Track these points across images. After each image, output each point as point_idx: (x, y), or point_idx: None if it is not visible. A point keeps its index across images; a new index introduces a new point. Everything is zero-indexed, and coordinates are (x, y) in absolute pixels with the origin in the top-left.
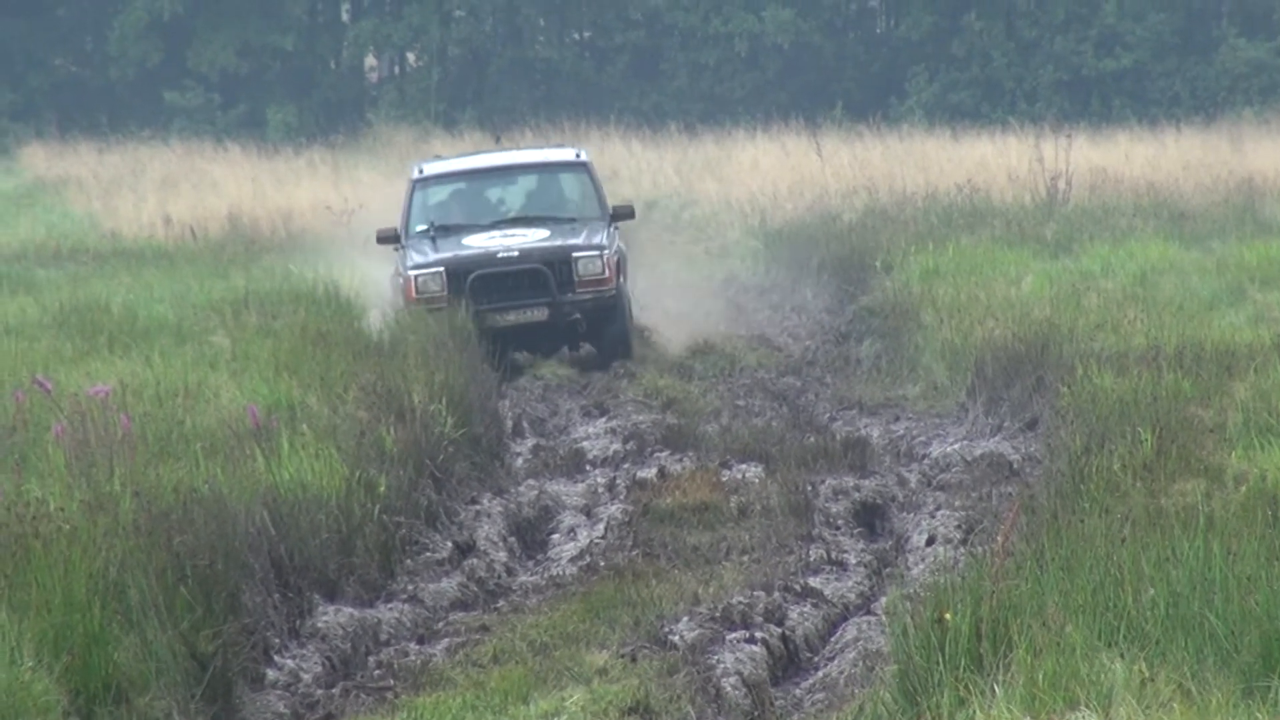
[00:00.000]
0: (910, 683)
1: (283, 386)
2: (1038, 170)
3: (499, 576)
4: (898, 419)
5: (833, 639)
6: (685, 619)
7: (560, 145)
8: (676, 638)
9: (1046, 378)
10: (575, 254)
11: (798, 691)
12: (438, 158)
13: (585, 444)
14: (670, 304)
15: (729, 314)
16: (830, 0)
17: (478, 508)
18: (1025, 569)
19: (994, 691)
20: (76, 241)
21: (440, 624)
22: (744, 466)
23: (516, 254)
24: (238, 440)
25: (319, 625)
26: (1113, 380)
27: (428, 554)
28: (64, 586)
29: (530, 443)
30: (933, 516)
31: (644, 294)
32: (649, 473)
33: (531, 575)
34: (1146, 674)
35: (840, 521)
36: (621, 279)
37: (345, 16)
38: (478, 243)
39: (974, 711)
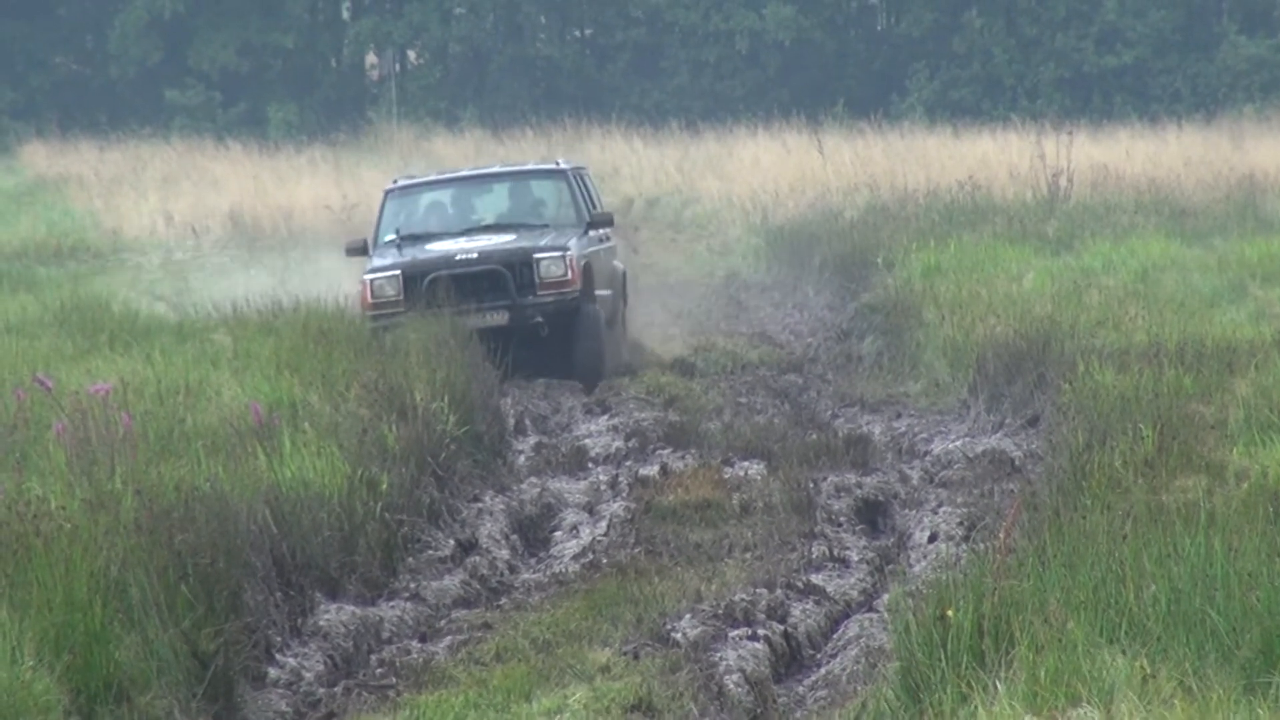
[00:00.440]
0: (912, 680)
1: (284, 384)
2: (1039, 167)
3: (501, 574)
4: (899, 416)
5: (835, 636)
6: (688, 616)
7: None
8: (679, 635)
9: (1048, 374)
10: (537, 254)
11: (800, 689)
12: (410, 177)
13: (587, 441)
14: (672, 301)
15: (731, 311)
16: None
17: (480, 505)
18: (1027, 566)
19: (996, 688)
20: (77, 239)
21: (442, 622)
22: (746, 464)
23: (475, 256)
24: (239, 438)
25: (321, 623)
26: (1114, 377)
27: (430, 552)
28: (65, 585)
29: (532, 440)
30: (935, 513)
31: (646, 291)
32: (651, 470)
33: (534, 573)
34: (1148, 670)
35: (842, 518)
36: (620, 300)
37: (346, 14)
38: (440, 248)
39: (976, 708)
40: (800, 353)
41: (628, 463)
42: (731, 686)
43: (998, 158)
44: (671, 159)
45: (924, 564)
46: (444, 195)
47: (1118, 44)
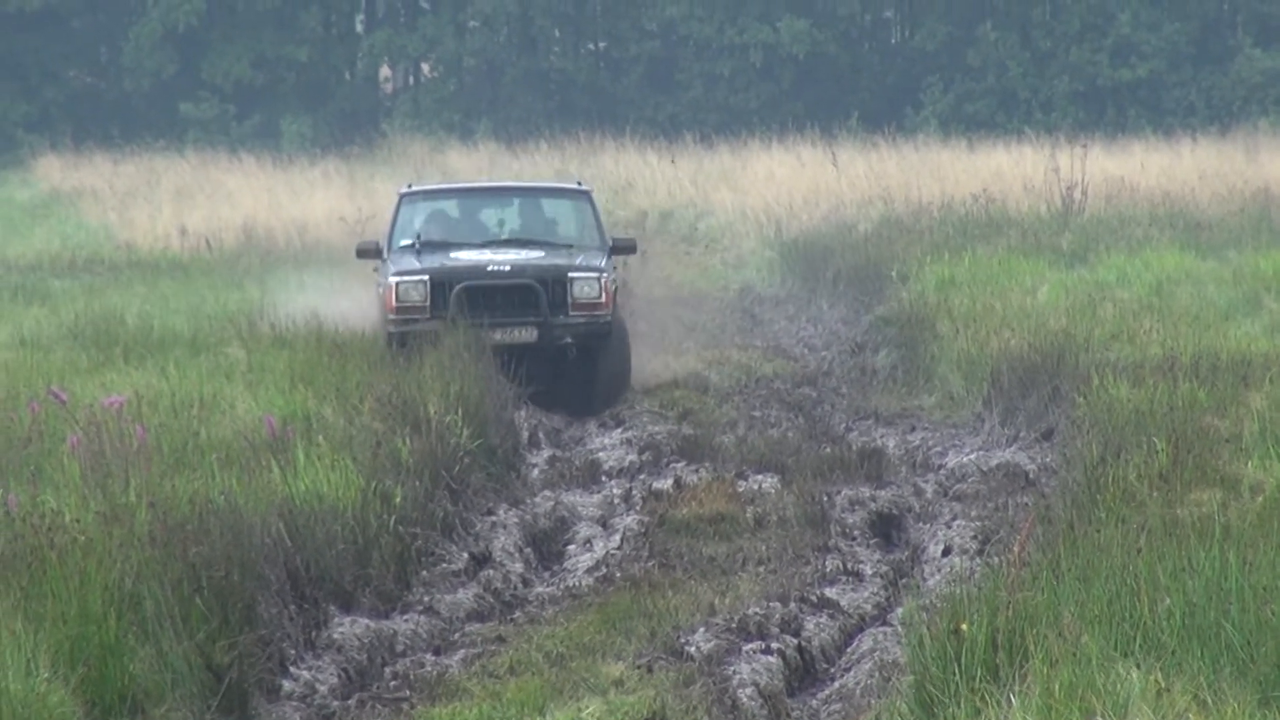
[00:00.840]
0: (926, 693)
1: (298, 398)
2: (1053, 180)
3: (515, 587)
4: (914, 429)
5: (849, 650)
6: (701, 630)
7: (567, 179)
8: (693, 648)
9: (1062, 388)
10: (572, 274)
11: (814, 702)
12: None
13: (601, 455)
14: (686, 314)
15: (744, 324)
16: (845, 11)
17: (494, 519)
18: (1041, 579)
19: (1010, 702)
20: (91, 252)
21: (456, 635)
22: (760, 477)
23: (508, 268)
24: (253, 451)
25: (335, 636)
26: (1128, 390)
27: (444, 565)
28: (79, 598)
29: (546, 454)
30: (949, 527)
31: (659, 306)
32: (665, 483)
33: (548, 586)
34: (1162, 684)
35: (856, 532)
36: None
37: (360, 28)
38: (467, 257)
39: None
40: (814, 366)
41: (641, 476)
42: (745, 700)
43: (1012, 171)
44: (685, 172)
45: (938, 577)
46: (463, 205)
47: (1132, 57)
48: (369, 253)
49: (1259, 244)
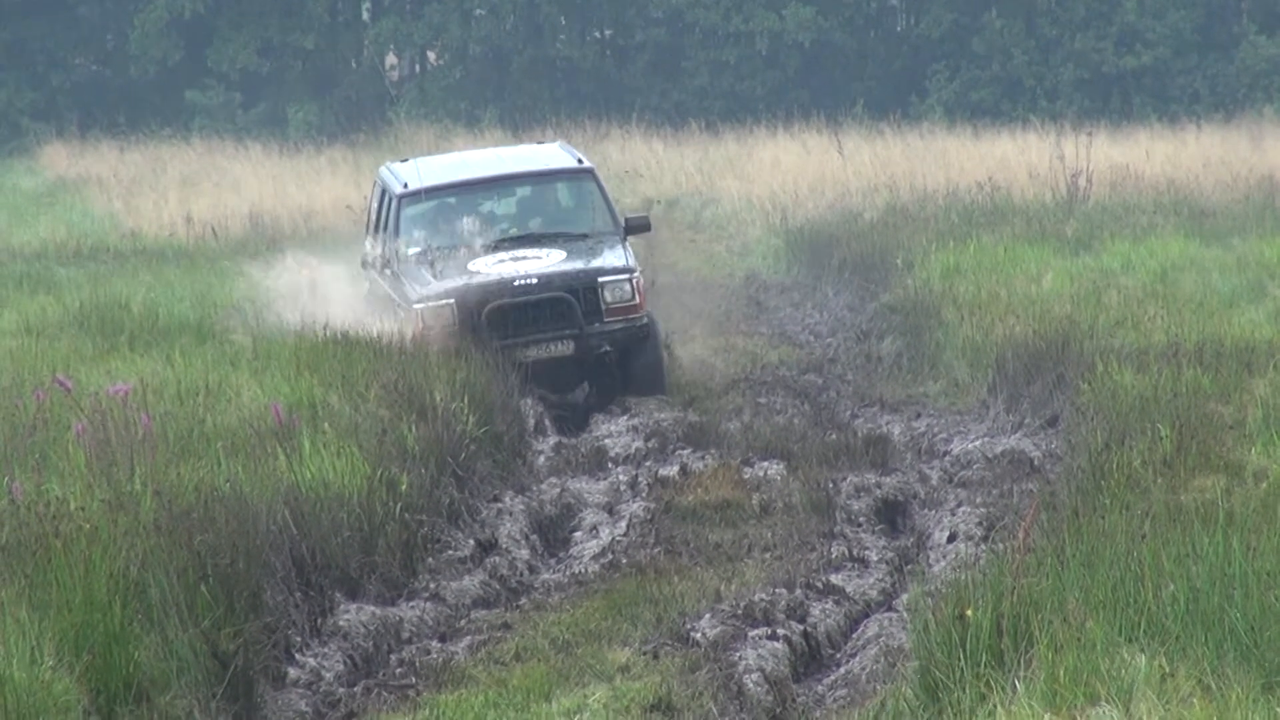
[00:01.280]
0: (931, 679)
1: (304, 385)
2: (1058, 168)
3: (521, 574)
4: (919, 416)
5: (854, 636)
6: (707, 616)
7: (543, 142)
8: (698, 635)
9: (1067, 375)
10: (601, 279)
11: (819, 688)
12: (405, 160)
13: (607, 441)
14: (691, 301)
15: (750, 312)
16: None
17: (500, 505)
18: (1046, 565)
19: (1015, 687)
20: (97, 240)
21: (462, 622)
22: (766, 464)
23: (535, 281)
24: (259, 439)
25: (341, 623)
26: (1133, 377)
27: (450, 552)
28: (85, 586)
29: (552, 440)
30: (954, 513)
31: (665, 293)
32: (671, 470)
33: (554, 573)
34: (1167, 669)
35: (862, 518)
36: None
37: (366, 15)
38: (487, 268)
39: (995, 707)
40: (820, 353)
41: (647, 463)
42: (751, 686)
43: (1017, 158)
44: (691, 160)
45: (943, 564)
46: (465, 199)
47: (1137, 45)
48: (374, 265)
49: (1263, 231)
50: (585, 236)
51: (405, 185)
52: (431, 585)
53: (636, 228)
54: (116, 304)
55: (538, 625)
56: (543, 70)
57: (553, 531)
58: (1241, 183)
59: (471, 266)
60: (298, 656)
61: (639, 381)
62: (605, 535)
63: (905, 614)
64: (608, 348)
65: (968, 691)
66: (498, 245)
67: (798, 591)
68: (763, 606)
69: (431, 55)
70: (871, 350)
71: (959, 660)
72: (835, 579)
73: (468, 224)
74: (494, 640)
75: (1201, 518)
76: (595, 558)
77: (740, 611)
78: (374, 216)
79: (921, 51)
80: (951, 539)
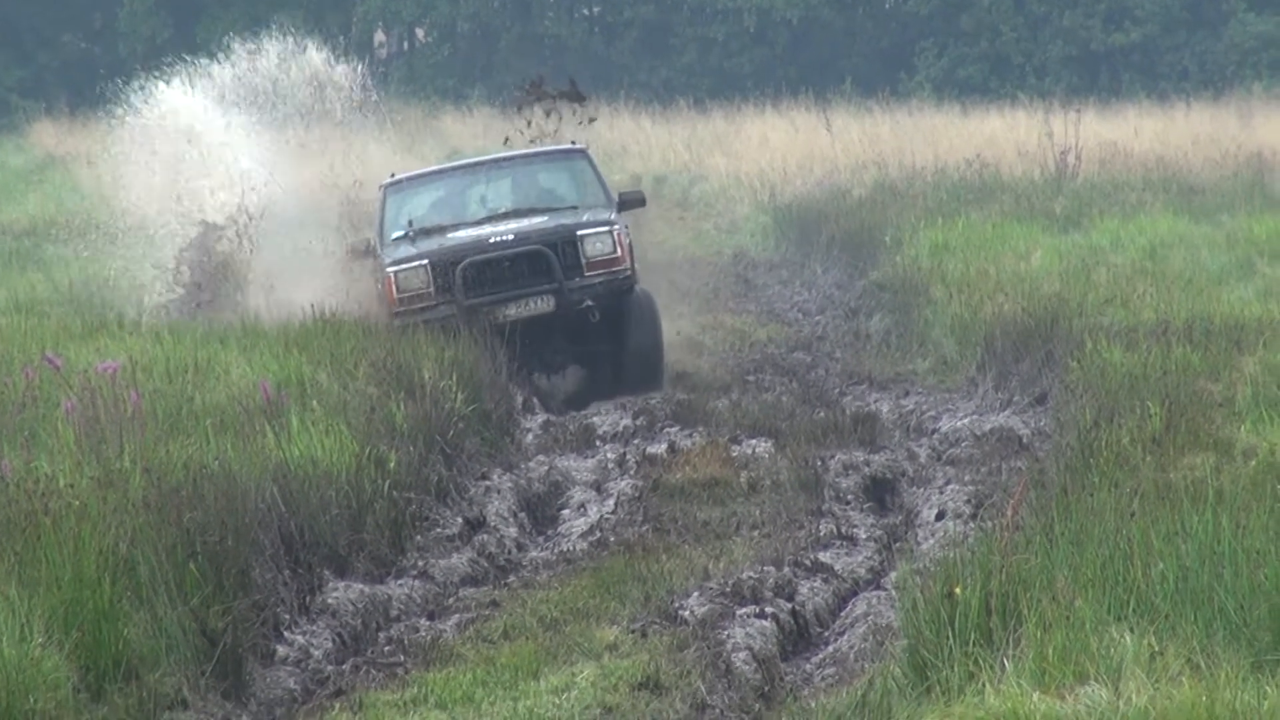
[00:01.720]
0: (920, 657)
1: (292, 363)
2: (1047, 145)
3: (509, 552)
4: (907, 394)
5: (843, 614)
6: (695, 594)
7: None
8: (687, 613)
9: (1056, 352)
10: (580, 231)
11: (808, 666)
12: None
13: (595, 419)
14: (680, 279)
15: (739, 289)
16: None
17: (488, 483)
18: (1035, 543)
19: (1004, 666)
20: (86, 218)
21: (451, 600)
22: (754, 442)
23: (512, 237)
24: (248, 416)
25: (329, 601)
26: (1122, 355)
27: (438, 530)
28: (74, 563)
29: (540, 418)
30: (942, 491)
31: (653, 270)
32: (659, 448)
33: (542, 551)
34: (1156, 647)
35: (850, 496)
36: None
37: None
38: (466, 234)
39: (984, 685)
40: (808, 331)
41: (635, 441)
42: (739, 664)
43: (1005, 136)
44: (680, 137)
45: (931, 542)
46: (452, 185)
47: (1126, 21)
48: (362, 252)
49: (1252, 208)
50: (574, 208)
51: (391, 176)
52: (420, 563)
53: (630, 203)
54: (106, 281)
55: (526, 603)
56: (531, 47)
57: (541, 509)
58: (1230, 160)
59: (451, 235)
60: (286, 634)
61: (634, 361)
62: (593, 513)
63: (894, 592)
64: (589, 302)
65: (956, 670)
66: (482, 221)
67: (786, 569)
68: (751, 584)
69: (420, 32)
70: (860, 328)
71: (947, 639)
72: (823, 557)
73: (452, 206)
74: (482, 618)
75: (1191, 496)
76: (583, 535)
77: (728, 589)
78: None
79: (910, 28)
80: (940, 517)
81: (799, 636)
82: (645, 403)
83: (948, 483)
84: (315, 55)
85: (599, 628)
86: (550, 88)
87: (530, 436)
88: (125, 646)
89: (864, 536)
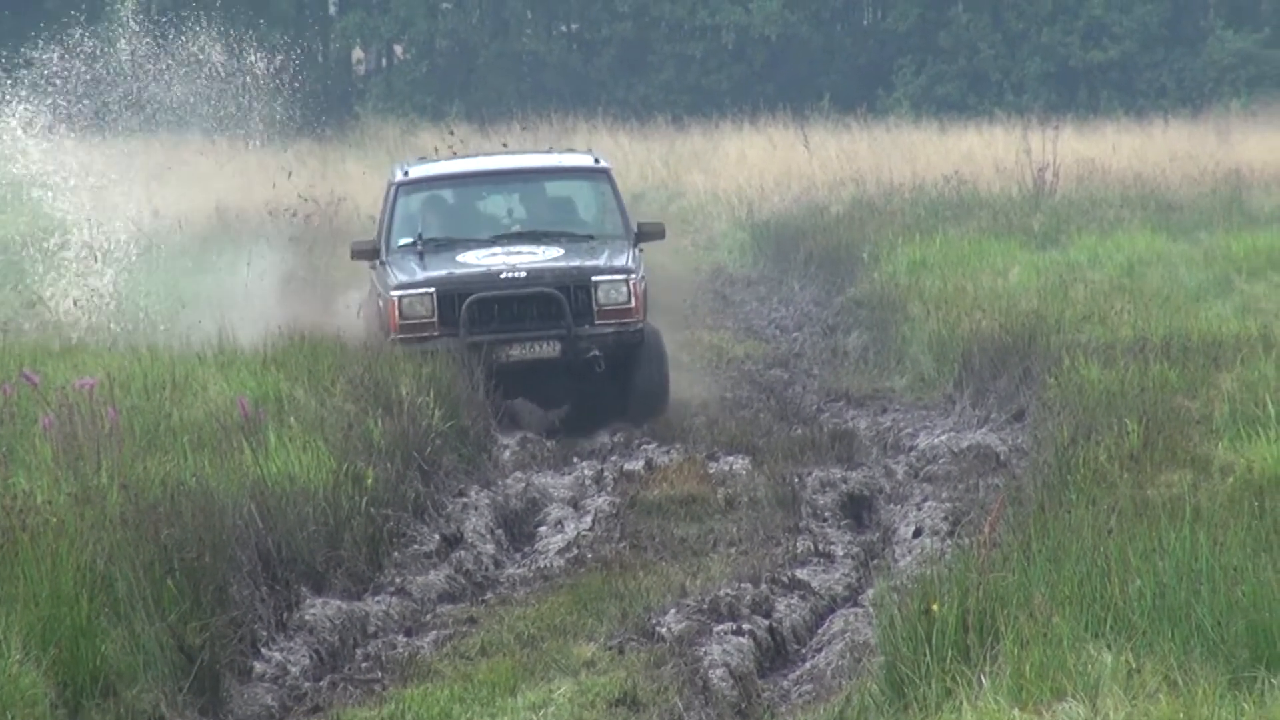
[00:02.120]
0: (897, 674)
1: (270, 379)
2: (1025, 162)
3: (486, 569)
4: (885, 411)
5: (820, 631)
6: (673, 611)
7: (573, 150)
8: (664, 630)
9: (1033, 369)
10: (595, 277)
11: (785, 683)
12: (423, 159)
13: (573, 436)
14: (657, 295)
15: (716, 306)
16: None
17: (465, 500)
18: (1012, 560)
19: (981, 682)
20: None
21: (428, 616)
22: (731, 458)
23: (524, 274)
24: (225, 433)
25: (307, 618)
26: (1099, 371)
27: (415, 546)
28: (51, 579)
29: (518, 435)
30: (919, 508)
31: None
32: (636, 465)
33: (519, 567)
34: (1133, 665)
35: (827, 513)
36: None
37: (333, 9)
38: (476, 260)
39: (961, 702)
40: (786, 347)
41: (613, 457)
42: (716, 681)
43: (983, 152)
44: (657, 153)
45: (909, 559)
46: (466, 192)
47: (1104, 39)
48: (365, 253)
49: (1230, 225)
50: (590, 238)
51: (405, 173)
52: (397, 580)
53: (649, 234)
54: None
55: (503, 620)
56: (509, 64)
57: (518, 526)
58: (1208, 177)
59: (460, 259)
60: (264, 650)
61: (638, 401)
62: (570, 530)
63: (871, 609)
64: (597, 352)
65: (933, 687)
66: (494, 240)
67: (763, 586)
68: (728, 601)
69: (398, 49)
70: (837, 344)
71: (924, 656)
72: (801, 574)
73: (464, 217)
74: (459, 635)
75: (1168, 513)
76: (560, 552)
77: (705, 606)
78: (378, 216)
79: (888, 45)
80: (917, 534)
81: (776, 653)
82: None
83: (925, 500)
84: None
85: (576, 644)
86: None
87: (508, 453)
88: (103, 663)
89: (841, 554)
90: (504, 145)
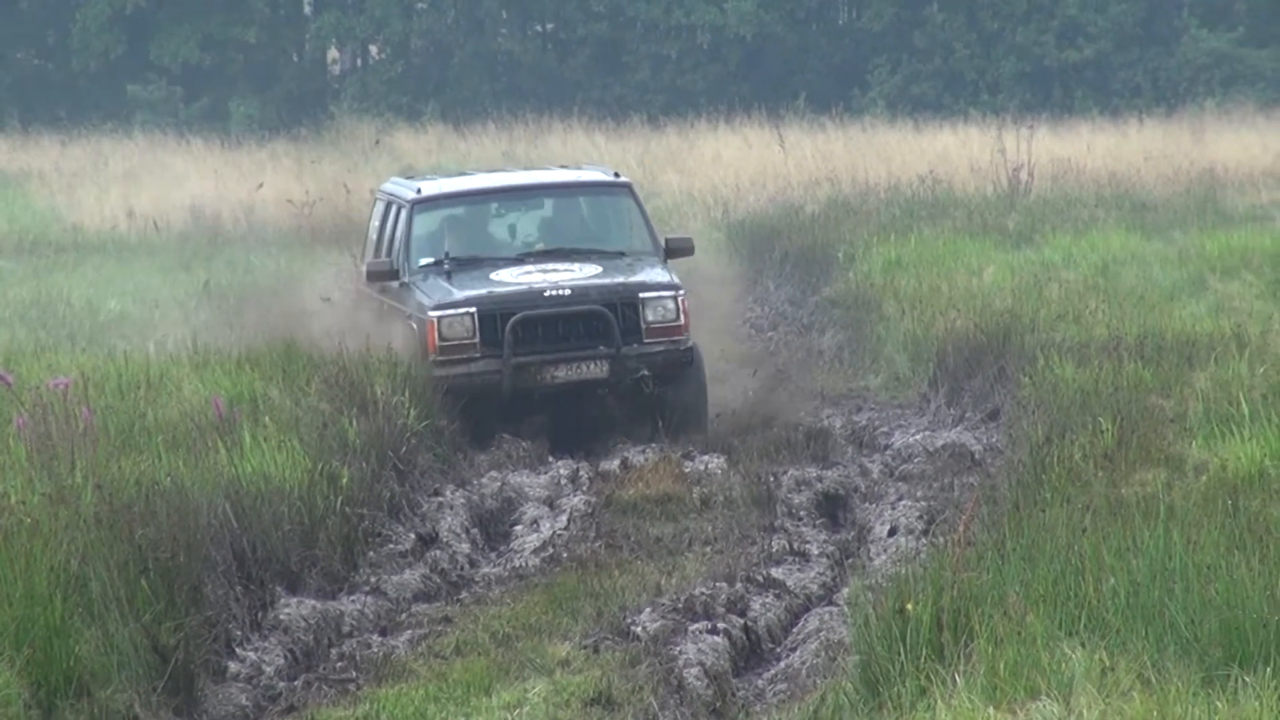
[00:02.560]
0: (872, 673)
1: (245, 379)
2: (1000, 161)
3: (461, 568)
4: (860, 410)
5: (795, 630)
6: (648, 610)
7: (592, 166)
8: (639, 629)
9: (1008, 368)
10: (643, 293)
11: (760, 682)
12: (424, 177)
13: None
14: None
15: (691, 306)
16: None
17: (440, 499)
18: (986, 559)
19: (955, 681)
20: (39, 234)
21: (403, 616)
22: (706, 458)
23: (568, 292)
24: (200, 433)
25: (281, 617)
26: (1074, 370)
27: (390, 546)
28: (25, 579)
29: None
30: (894, 507)
31: None
32: (612, 464)
33: (494, 567)
34: (1107, 663)
35: (802, 512)
36: None
37: (308, 9)
38: (512, 278)
39: (935, 701)
40: (761, 347)
41: (588, 457)
42: (691, 680)
43: (958, 152)
44: (633, 153)
45: (884, 558)
46: (486, 209)
47: (1079, 38)
48: (382, 275)
49: (1204, 225)
50: (621, 254)
51: (419, 191)
52: (372, 579)
53: (679, 251)
54: (58, 298)
55: (478, 619)
56: (484, 64)
57: (493, 525)
58: (1183, 176)
59: (494, 277)
60: (238, 650)
61: (682, 423)
62: (546, 529)
63: (846, 608)
64: (646, 372)
65: (908, 685)
66: (522, 259)
67: (738, 585)
68: (703, 600)
69: (373, 49)
70: (813, 344)
71: (899, 654)
72: (776, 573)
73: (487, 235)
74: (434, 634)
75: (1142, 511)
76: (536, 552)
77: (680, 605)
78: (375, 235)
79: (863, 45)
80: (892, 533)
81: (751, 652)
82: None
83: (900, 498)
84: None
85: (551, 644)
86: None
87: (483, 453)
88: (77, 663)
89: (816, 552)
90: (503, 154)
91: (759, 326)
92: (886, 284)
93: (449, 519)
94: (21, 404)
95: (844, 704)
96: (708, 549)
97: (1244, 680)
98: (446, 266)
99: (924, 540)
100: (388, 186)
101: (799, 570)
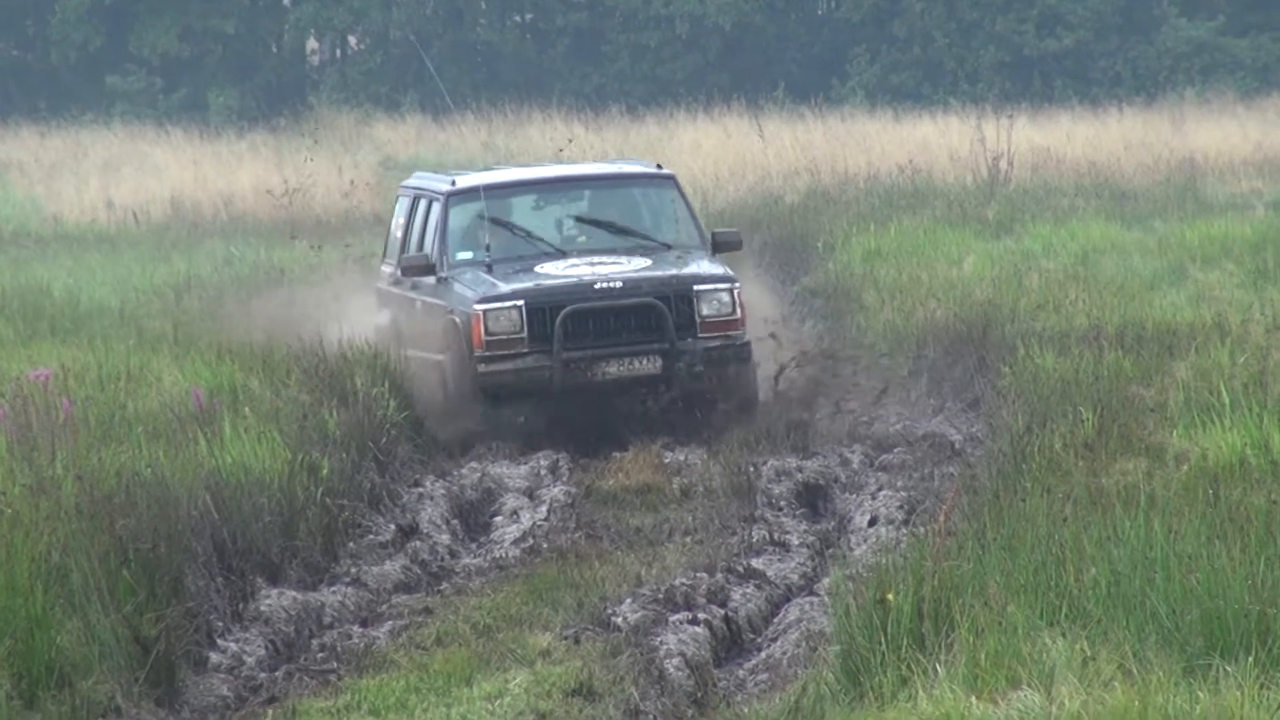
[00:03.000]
0: (852, 663)
1: (225, 370)
2: (979, 151)
3: (442, 559)
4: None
5: (775, 620)
6: (628, 600)
7: (631, 159)
8: (619, 619)
9: (988, 358)
10: (698, 286)
11: (740, 672)
12: (452, 171)
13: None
14: None
15: None
16: None
17: (420, 490)
18: (967, 549)
19: (936, 671)
20: (18, 226)
21: (383, 607)
22: (686, 448)
23: (620, 285)
24: (180, 424)
25: (262, 608)
26: (1054, 360)
27: (370, 537)
28: (6, 570)
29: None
30: (875, 497)
31: None
32: (592, 455)
33: (474, 557)
34: (1088, 653)
35: (783, 503)
36: None
37: (286, 0)
38: (559, 271)
39: (916, 691)
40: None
41: (568, 447)
42: (672, 670)
43: (938, 142)
44: (612, 144)
45: (864, 548)
46: (526, 201)
47: (1058, 27)
48: (419, 269)
49: (1184, 214)
50: (669, 247)
51: (453, 183)
52: (353, 570)
53: (726, 244)
54: (38, 289)
55: (459, 610)
56: (463, 55)
57: (473, 516)
58: (1162, 165)
59: (540, 270)
60: (219, 641)
61: (735, 419)
62: (526, 520)
63: (826, 598)
64: (700, 367)
65: (889, 675)
66: (567, 251)
67: (719, 576)
68: (684, 591)
69: (352, 40)
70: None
71: (880, 644)
72: (756, 563)
73: (529, 229)
74: (415, 625)
75: (1123, 501)
76: (516, 542)
77: (661, 596)
78: (403, 233)
79: (842, 35)
80: (872, 523)
81: (732, 643)
82: None
83: (880, 488)
84: None
85: (532, 634)
86: None
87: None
88: (58, 654)
89: (797, 543)
90: (560, 151)
91: None
92: (866, 274)
93: (429, 510)
94: (2, 396)
95: (825, 694)
96: (688, 539)
97: (1225, 669)
98: (488, 260)
99: (904, 530)
100: (414, 181)
101: (779, 560)
